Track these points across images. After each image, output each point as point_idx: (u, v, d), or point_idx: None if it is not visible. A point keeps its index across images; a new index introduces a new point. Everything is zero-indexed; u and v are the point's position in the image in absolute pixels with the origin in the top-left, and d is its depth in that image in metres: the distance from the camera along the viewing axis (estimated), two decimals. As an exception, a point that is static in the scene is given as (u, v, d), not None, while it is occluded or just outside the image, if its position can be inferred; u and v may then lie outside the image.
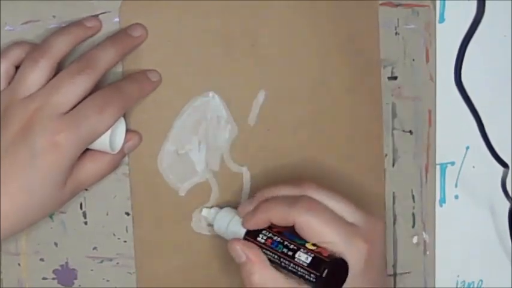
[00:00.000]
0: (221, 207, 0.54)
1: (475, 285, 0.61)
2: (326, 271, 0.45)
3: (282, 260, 0.47)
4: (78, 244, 0.54)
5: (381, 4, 0.56)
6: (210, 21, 0.53)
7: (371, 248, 0.47)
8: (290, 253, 0.47)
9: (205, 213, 0.54)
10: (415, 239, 0.60)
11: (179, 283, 0.55)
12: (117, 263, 0.54)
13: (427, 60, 0.58)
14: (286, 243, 0.48)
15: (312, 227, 0.47)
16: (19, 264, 0.54)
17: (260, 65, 0.54)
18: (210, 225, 0.54)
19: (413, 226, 0.60)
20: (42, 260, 0.54)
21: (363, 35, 0.56)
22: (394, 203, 0.59)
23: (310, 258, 0.46)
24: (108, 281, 0.54)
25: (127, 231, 0.54)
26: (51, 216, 0.53)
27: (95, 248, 0.54)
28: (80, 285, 0.54)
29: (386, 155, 0.58)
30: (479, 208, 0.61)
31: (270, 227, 0.49)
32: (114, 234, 0.54)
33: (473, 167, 0.60)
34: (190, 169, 0.54)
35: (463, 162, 0.60)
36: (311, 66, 0.55)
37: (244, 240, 0.49)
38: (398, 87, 0.58)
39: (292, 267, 0.47)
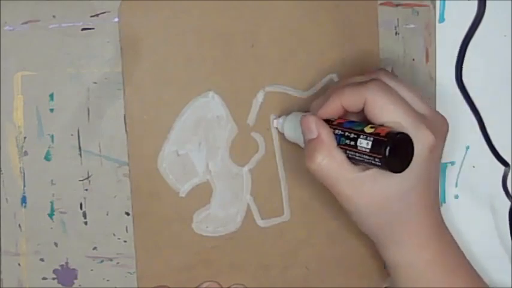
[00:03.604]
0: (287, 114, 0.53)
1: (475, 285, 0.61)
2: (388, 149, 0.44)
3: (347, 152, 0.46)
4: (78, 244, 0.54)
5: (381, 4, 0.56)
6: (210, 21, 0.53)
7: (436, 140, 0.46)
8: (352, 143, 0.46)
9: (275, 125, 0.54)
10: (415, 239, 0.60)
11: (179, 283, 0.55)
12: (117, 263, 0.54)
13: (427, 60, 0.58)
14: (346, 133, 0.46)
15: (382, 106, 0.46)
16: (19, 264, 0.54)
17: (260, 65, 0.54)
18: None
19: (413, 226, 0.60)
20: (42, 260, 0.54)
21: (363, 35, 0.56)
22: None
23: (370, 143, 0.45)
24: (108, 281, 0.54)
25: (127, 231, 0.54)
26: (51, 216, 0.53)
27: (95, 248, 0.54)
28: (80, 285, 0.54)
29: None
30: (479, 208, 0.61)
31: (330, 121, 0.48)
32: (114, 234, 0.54)
33: (474, 166, 0.60)
34: (191, 169, 0.54)
35: (463, 162, 0.60)
36: (311, 66, 0.55)
37: (319, 118, 0.48)
38: (399, 87, 0.58)
39: (358, 156, 0.46)
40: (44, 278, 0.54)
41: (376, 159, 0.45)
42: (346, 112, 0.48)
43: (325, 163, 0.47)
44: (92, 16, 0.52)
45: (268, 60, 0.54)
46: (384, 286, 0.59)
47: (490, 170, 0.57)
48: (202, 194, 0.55)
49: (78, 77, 0.52)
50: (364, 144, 0.45)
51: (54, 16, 0.51)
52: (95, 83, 0.52)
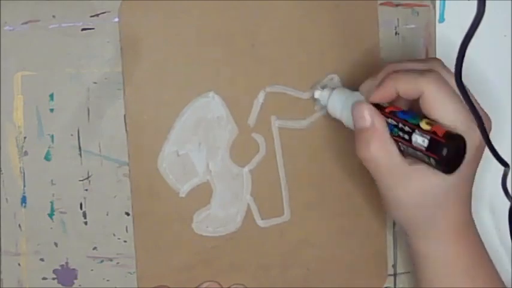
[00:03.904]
0: (333, 88, 0.52)
1: (475, 285, 0.61)
2: (446, 152, 0.44)
3: (399, 144, 0.46)
4: (78, 244, 0.54)
5: (381, 4, 0.56)
6: (210, 21, 0.53)
7: (481, 139, 0.47)
8: (406, 136, 0.46)
9: (317, 95, 0.53)
10: (415, 239, 0.60)
11: (179, 283, 0.55)
12: (117, 263, 0.54)
13: (427, 60, 0.58)
14: (400, 125, 0.46)
15: (439, 100, 0.46)
16: (19, 264, 0.54)
17: (260, 65, 0.54)
18: (323, 106, 0.53)
19: (413, 226, 0.60)
20: (42, 260, 0.54)
21: (363, 35, 0.56)
22: (394, 202, 0.59)
23: (427, 141, 0.45)
24: (108, 281, 0.54)
25: (127, 231, 0.54)
26: (51, 216, 0.53)
27: (95, 248, 0.54)
28: (80, 285, 0.54)
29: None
30: (479, 208, 0.60)
31: (381, 108, 0.48)
32: (114, 234, 0.54)
33: (473, 166, 0.60)
34: (191, 169, 0.54)
35: (463, 162, 0.60)
36: (311, 66, 0.55)
37: (372, 106, 0.48)
38: (399, 87, 0.58)
39: (411, 151, 0.46)
40: (44, 278, 0.54)
41: (431, 159, 0.45)
42: (398, 97, 0.48)
43: (377, 154, 0.47)
44: (92, 16, 0.52)
45: (268, 60, 0.54)
46: (384, 286, 0.59)
47: (490, 170, 0.57)
48: (203, 194, 0.55)
49: (78, 77, 0.52)
50: (420, 141, 0.45)
51: (54, 16, 0.51)
52: (95, 83, 0.52)
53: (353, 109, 0.48)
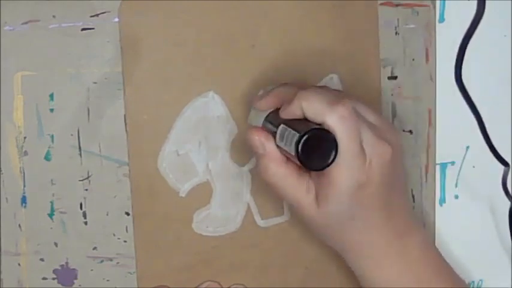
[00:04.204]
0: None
1: (475, 285, 0.61)
2: (300, 148, 0.44)
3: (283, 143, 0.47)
4: (78, 244, 0.54)
5: (381, 4, 0.56)
6: (210, 21, 0.53)
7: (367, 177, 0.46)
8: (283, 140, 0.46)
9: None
10: (415, 239, 0.60)
11: (179, 283, 0.55)
12: (117, 263, 0.54)
13: (427, 60, 0.58)
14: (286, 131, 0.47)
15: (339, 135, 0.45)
16: (19, 264, 0.54)
17: (260, 65, 0.54)
18: None
19: (413, 226, 0.60)
20: (42, 260, 0.54)
21: (363, 35, 0.56)
22: (394, 202, 0.59)
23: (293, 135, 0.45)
24: (108, 281, 0.54)
25: (127, 231, 0.54)
26: (51, 216, 0.53)
27: (95, 248, 0.54)
28: (80, 285, 0.54)
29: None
30: (479, 208, 0.61)
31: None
32: (114, 234, 0.54)
33: (474, 166, 0.60)
34: (191, 169, 0.54)
35: (463, 162, 0.60)
36: (311, 66, 0.55)
37: (264, 131, 0.48)
38: (398, 87, 0.58)
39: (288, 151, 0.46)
40: (44, 278, 0.54)
41: (294, 150, 0.45)
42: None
43: (276, 177, 0.48)
44: (92, 16, 0.52)
45: (268, 60, 0.54)
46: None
47: (490, 170, 0.57)
48: (203, 193, 0.55)
49: (78, 77, 0.52)
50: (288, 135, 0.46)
51: (54, 16, 0.51)
52: (95, 83, 0.52)
53: (248, 137, 0.49)
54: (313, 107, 0.46)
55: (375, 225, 0.48)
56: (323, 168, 0.45)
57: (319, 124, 0.45)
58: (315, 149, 0.45)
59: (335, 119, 0.45)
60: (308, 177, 0.48)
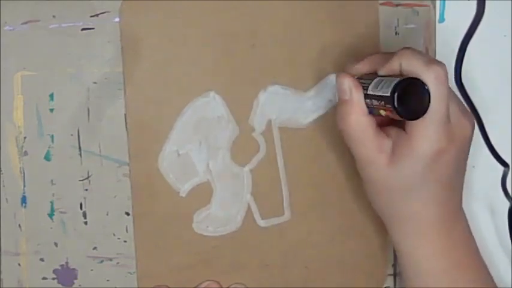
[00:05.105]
0: None
1: (475, 285, 0.61)
2: (397, 90, 0.44)
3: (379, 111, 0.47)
4: (78, 244, 0.54)
5: (381, 4, 0.56)
6: (210, 21, 0.53)
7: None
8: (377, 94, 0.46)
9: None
10: (415, 239, 0.60)
11: (179, 283, 0.55)
12: (117, 263, 0.54)
13: (427, 60, 0.58)
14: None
15: (438, 95, 0.45)
16: (19, 264, 0.54)
17: (261, 65, 0.54)
18: None
19: (413, 226, 0.59)
20: (42, 260, 0.54)
21: (363, 35, 0.56)
22: (394, 202, 0.59)
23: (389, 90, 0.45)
24: (108, 281, 0.54)
25: (127, 231, 0.54)
26: (51, 216, 0.53)
27: (95, 248, 0.54)
28: (80, 285, 0.54)
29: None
30: (479, 208, 0.61)
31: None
32: (114, 234, 0.54)
33: (473, 166, 0.60)
34: (191, 169, 0.54)
35: (462, 162, 0.60)
36: (311, 66, 0.55)
37: (355, 79, 0.48)
38: (398, 87, 0.58)
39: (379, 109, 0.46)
40: (44, 278, 0.54)
41: (385, 98, 0.45)
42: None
43: (353, 127, 0.48)
44: (92, 16, 0.52)
45: (268, 60, 0.54)
46: (384, 286, 0.59)
47: (490, 170, 0.58)
48: (203, 193, 0.55)
49: (78, 77, 0.52)
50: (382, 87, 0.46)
51: (54, 16, 0.51)
52: (95, 83, 0.52)
53: (336, 80, 0.49)
54: (412, 64, 0.46)
55: (437, 201, 0.48)
56: (413, 118, 0.45)
57: None
58: (408, 100, 0.45)
59: (432, 78, 0.45)
60: (385, 136, 0.48)
